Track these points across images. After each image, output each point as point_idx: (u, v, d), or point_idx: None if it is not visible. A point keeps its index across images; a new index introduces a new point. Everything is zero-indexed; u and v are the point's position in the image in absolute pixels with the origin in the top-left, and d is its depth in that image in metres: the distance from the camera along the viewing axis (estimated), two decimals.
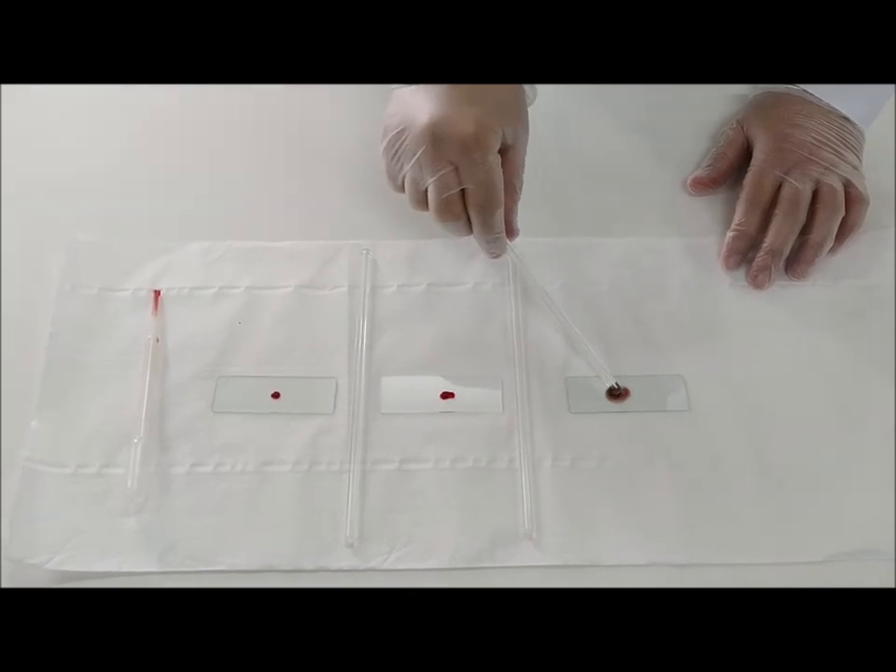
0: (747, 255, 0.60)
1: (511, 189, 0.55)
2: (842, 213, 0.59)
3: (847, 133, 0.62)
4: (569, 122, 0.67)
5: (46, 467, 0.52)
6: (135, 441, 0.52)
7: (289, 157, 0.67)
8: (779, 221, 0.59)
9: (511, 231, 0.57)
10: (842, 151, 0.61)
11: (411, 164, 0.54)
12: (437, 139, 0.51)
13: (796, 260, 0.59)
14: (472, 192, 0.53)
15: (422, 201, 0.55)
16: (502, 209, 0.54)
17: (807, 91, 0.63)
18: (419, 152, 0.53)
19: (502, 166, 0.53)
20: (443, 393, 0.55)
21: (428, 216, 0.55)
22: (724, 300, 0.58)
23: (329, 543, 0.50)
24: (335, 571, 0.49)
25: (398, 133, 0.54)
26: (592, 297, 0.59)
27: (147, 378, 0.54)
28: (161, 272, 0.60)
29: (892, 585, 0.48)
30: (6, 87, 0.69)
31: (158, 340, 0.56)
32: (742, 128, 0.64)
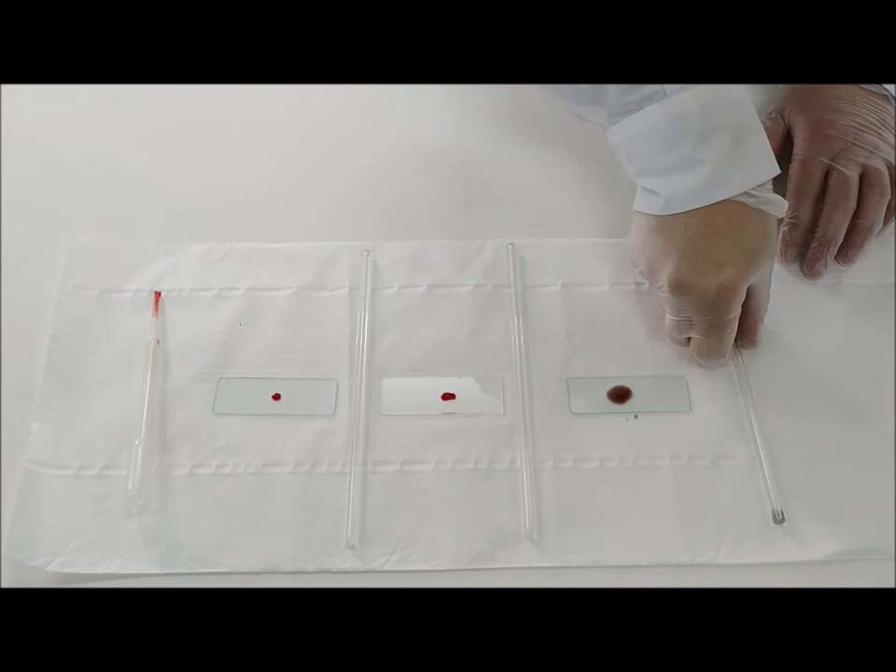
0: (802, 245, 0.59)
1: (758, 312, 0.54)
2: (888, 195, 0.59)
3: (886, 114, 0.62)
4: (570, 121, 0.67)
5: (47, 468, 0.52)
6: (136, 442, 0.52)
7: (290, 158, 0.67)
8: (831, 210, 0.58)
9: (751, 344, 0.55)
10: (883, 133, 0.61)
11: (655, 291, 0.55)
12: (677, 294, 0.51)
13: (846, 245, 0.59)
14: (698, 342, 0.53)
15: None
16: (725, 358, 0.54)
17: None
18: (660, 295, 0.54)
19: (747, 297, 0.52)
20: (444, 394, 0.55)
21: None
22: None
23: (330, 545, 0.50)
24: (336, 573, 0.49)
25: (644, 270, 0.55)
26: (592, 297, 0.59)
27: (148, 380, 0.54)
28: (162, 273, 0.60)
29: (892, 585, 0.48)
30: (5, 87, 0.69)
31: (158, 341, 0.56)
32: (782, 117, 0.64)
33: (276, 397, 0.55)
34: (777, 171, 0.51)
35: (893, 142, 0.62)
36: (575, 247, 0.61)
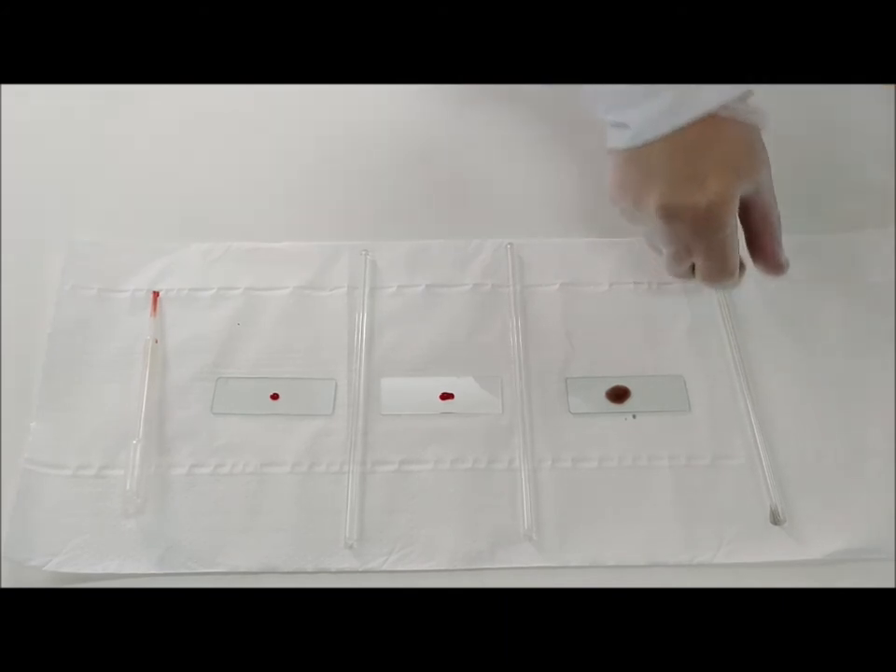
0: None
1: (767, 229, 0.52)
2: None
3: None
4: (570, 121, 0.67)
5: (45, 468, 0.52)
6: (134, 442, 0.52)
7: (289, 157, 0.67)
8: None
9: (777, 268, 0.53)
10: None
11: (644, 228, 0.54)
12: (668, 220, 0.50)
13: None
14: (701, 266, 0.52)
15: (659, 252, 0.55)
16: (734, 278, 0.52)
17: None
18: (650, 227, 0.53)
19: (750, 213, 0.51)
20: (443, 394, 0.55)
21: None
22: (728, 298, 0.58)
23: (328, 545, 0.50)
24: (335, 573, 0.49)
25: (628, 206, 0.53)
26: (591, 296, 0.59)
27: (147, 379, 0.54)
28: (161, 273, 0.60)
29: (892, 585, 0.48)
30: (5, 87, 0.69)
31: (157, 341, 0.56)
32: None
33: (275, 396, 0.55)
34: (748, 88, 0.50)
35: None
36: (574, 247, 0.61)
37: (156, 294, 0.58)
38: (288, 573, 0.49)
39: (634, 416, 0.54)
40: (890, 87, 0.68)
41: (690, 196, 0.49)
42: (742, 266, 0.53)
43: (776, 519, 0.50)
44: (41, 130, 0.69)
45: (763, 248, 0.53)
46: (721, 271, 0.52)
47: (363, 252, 0.60)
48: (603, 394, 0.55)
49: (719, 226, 0.49)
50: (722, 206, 0.48)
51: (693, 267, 0.53)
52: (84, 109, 0.69)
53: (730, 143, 0.49)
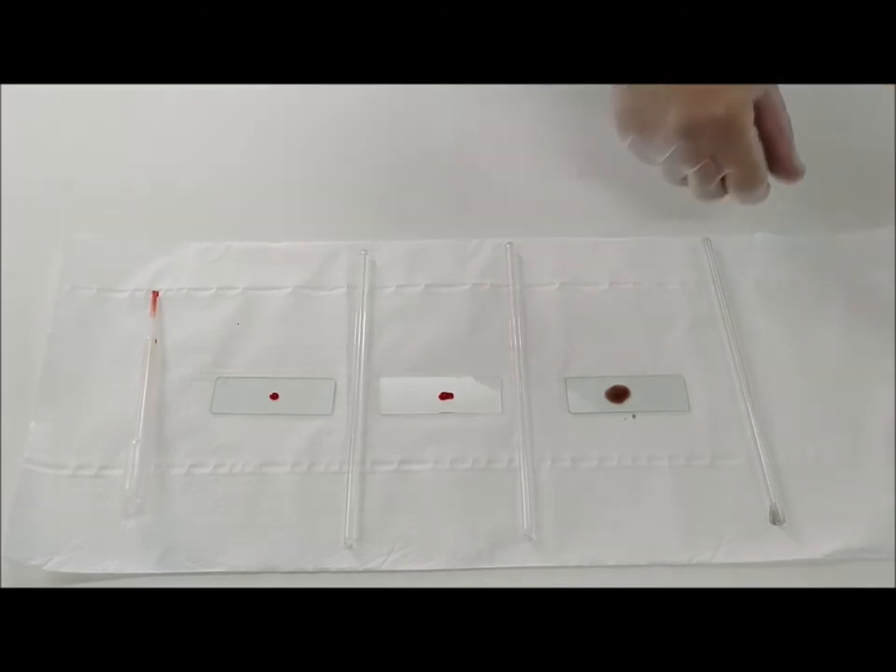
0: None
1: (781, 133, 0.53)
2: None
3: None
4: (568, 122, 0.67)
5: (45, 468, 0.52)
6: (134, 442, 0.52)
7: (288, 157, 0.67)
8: None
9: (794, 172, 0.54)
10: None
11: (664, 158, 0.54)
12: (690, 135, 0.51)
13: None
14: (733, 175, 0.52)
15: (682, 182, 0.56)
16: (764, 184, 0.53)
17: None
18: (671, 150, 0.52)
19: (763, 120, 0.52)
20: (442, 394, 0.55)
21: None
22: (727, 298, 0.58)
23: (328, 545, 0.49)
24: (335, 572, 0.49)
25: (640, 135, 0.53)
26: (590, 296, 0.59)
27: (146, 379, 0.54)
28: (160, 272, 0.60)
29: (892, 585, 0.48)
30: (5, 87, 0.69)
31: (156, 341, 0.56)
32: None
33: (274, 396, 0.55)
34: None
35: None
36: (573, 246, 0.61)
37: (155, 294, 0.58)
38: (288, 573, 0.49)
39: (633, 416, 0.54)
40: (890, 87, 0.68)
41: (707, 108, 0.50)
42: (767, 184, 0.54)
43: (775, 519, 0.50)
44: (40, 130, 0.68)
45: (779, 153, 0.53)
46: (752, 177, 0.53)
47: (362, 252, 0.60)
48: (603, 394, 0.55)
49: (741, 130, 0.50)
50: (741, 110, 0.50)
51: (722, 184, 0.54)
52: (82, 109, 0.69)
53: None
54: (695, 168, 0.53)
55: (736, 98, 0.50)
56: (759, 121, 0.52)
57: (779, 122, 0.53)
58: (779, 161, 0.54)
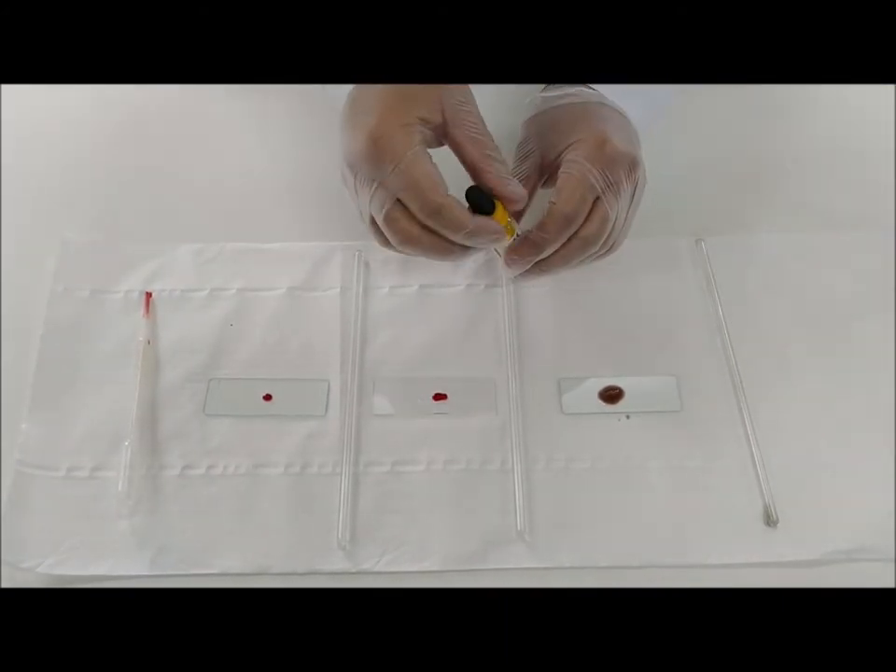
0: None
1: (481, 157, 0.48)
2: None
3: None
4: None
5: (37, 469, 0.52)
6: (127, 443, 0.52)
7: (281, 158, 0.66)
8: None
9: (508, 200, 0.48)
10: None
11: (357, 201, 0.50)
12: (353, 167, 0.48)
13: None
14: (405, 200, 0.46)
15: (385, 238, 0.50)
16: (445, 203, 0.46)
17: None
18: (349, 187, 0.50)
19: (450, 143, 0.49)
20: (436, 395, 0.55)
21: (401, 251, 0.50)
22: (720, 299, 0.58)
23: (321, 546, 0.49)
24: (328, 574, 0.49)
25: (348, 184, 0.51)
26: (585, 297, 0.59)
27: (139, 380, 0.54)
28: (153, 273, 0.60)
29: (892, 585, 0.48)
30: (5, 87, 0.69)
31: (149, 342, 0.56)
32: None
33: (268, 397, 0.55)
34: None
35: None
36: None
37: (148, 295, 0.58)
38: (281, 574, 0.49)
39: (627, 417, 0.54)
40: (890, 87, 0.68)
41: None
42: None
43: (769, 519, 0.50)
44: (34, 130, 0.68)
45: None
46: (423, 199, 0.46)
47: (356, 252, 0.60)
48: (596, 394, 0.55)
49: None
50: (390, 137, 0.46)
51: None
52: (78, 110, 0.69)
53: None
54: (368, 199, 0.48)
55: (381, 127, 0.46)
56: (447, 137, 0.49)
57: (470, 139, 0.48)
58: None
